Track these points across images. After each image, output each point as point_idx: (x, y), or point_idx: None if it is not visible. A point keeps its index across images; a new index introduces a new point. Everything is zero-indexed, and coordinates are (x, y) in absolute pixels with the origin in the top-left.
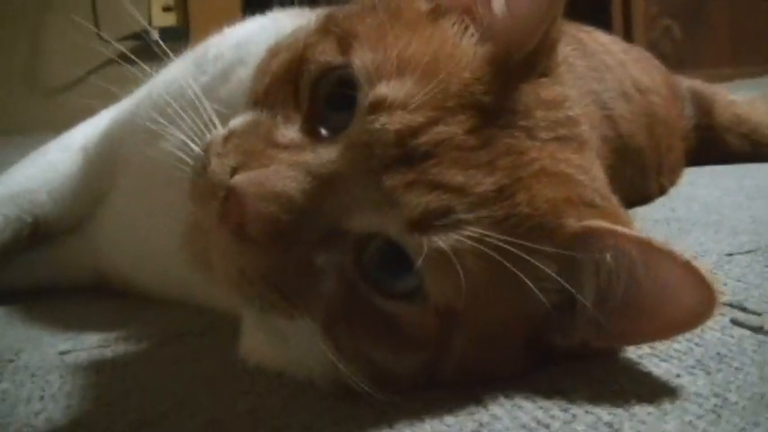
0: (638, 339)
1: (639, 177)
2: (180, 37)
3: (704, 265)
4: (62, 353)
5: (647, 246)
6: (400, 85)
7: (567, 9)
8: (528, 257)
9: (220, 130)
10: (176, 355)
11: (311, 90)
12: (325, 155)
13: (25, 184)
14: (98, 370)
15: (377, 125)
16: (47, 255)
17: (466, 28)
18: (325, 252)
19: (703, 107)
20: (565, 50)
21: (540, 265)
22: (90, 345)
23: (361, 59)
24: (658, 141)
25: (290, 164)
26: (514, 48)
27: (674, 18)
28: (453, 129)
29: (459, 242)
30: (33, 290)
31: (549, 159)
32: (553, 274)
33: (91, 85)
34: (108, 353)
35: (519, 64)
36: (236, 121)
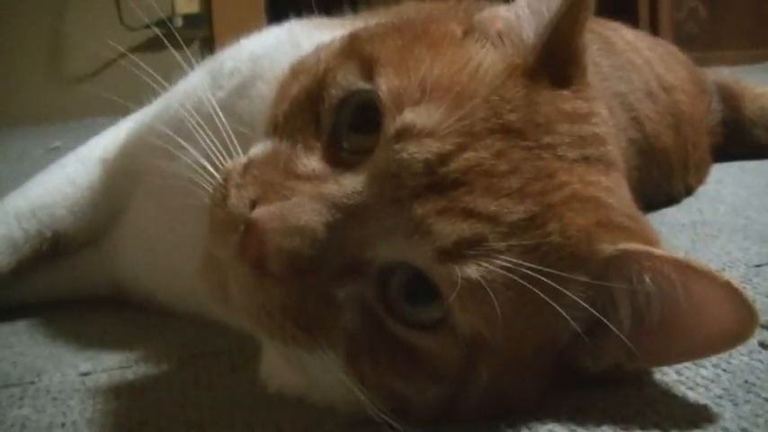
0: (673, 359)
1: (666, 178)
2: (202, 24)
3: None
4: (83, 374)
5: (685, 267)
6: (427, 111)
7: None
8: (558, 286)
9: (240, 158)
10: (195, 378)
11: (332, 116)
12: (350, 185)
13: (44, 198)
14: (118, 395)
15: (404, 155)
16: (66, 268)
17: (489, 43)
18: (347, 284)
19: (730, 101)
20: (591, 50)
21: (570, 294)
22: (110, 366)
23: (387, 84)
24: (684, 140)
25: (313, 196)
26: (531, 49)
27: None
28: (482, 154)
29: (491, 272)
30: (53, 303)
31: (579, 183)
32: (584, 303)
33: (113, 74)
34: (128, 374)
35: (536, 65)
36: (256, 150)
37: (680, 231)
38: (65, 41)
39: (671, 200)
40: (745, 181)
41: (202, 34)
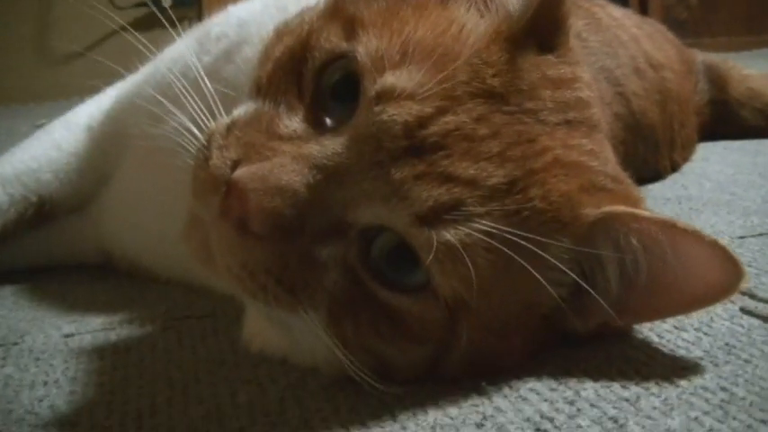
0: (661, 315)
1: (652, 154)
2: (192, 4)
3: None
4: (66, 336)
5: (671, 227)
6: (408, 74)
7: None
8: (539, 251)
9: (224, 119)
10: (178, 340)
11: (315, 79)
12: (331, 147)
13: (30, 164)
14: (101, 355)
15: (384, 116)
16: (52, 234)
17: (473, 7)
18: (329, 245)
19: (718, 82)
20: (578, 25)
21: (551, 259)
22: (94, 327)
23: (365, 47)
24: (671, 118)
25: (294, 156)
26: (516, 18)
27: None
28: (462, 118)
29: (469, 236)
30: (39, 269)
31: (561, 148)
32: (564, 268)
33: (102, 53)
34: (111, 336)
35: (521, 33)
36: (239, 111)
37: (664, 205)
38: (53, 20)
39: (657, 175)
40: (730, 159)
41: (191, 14)
